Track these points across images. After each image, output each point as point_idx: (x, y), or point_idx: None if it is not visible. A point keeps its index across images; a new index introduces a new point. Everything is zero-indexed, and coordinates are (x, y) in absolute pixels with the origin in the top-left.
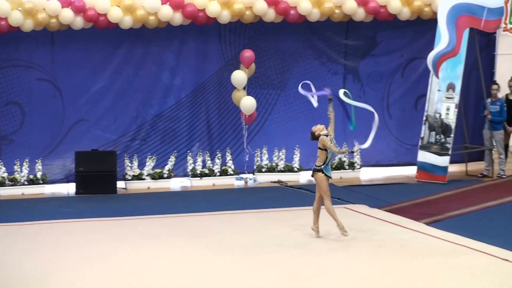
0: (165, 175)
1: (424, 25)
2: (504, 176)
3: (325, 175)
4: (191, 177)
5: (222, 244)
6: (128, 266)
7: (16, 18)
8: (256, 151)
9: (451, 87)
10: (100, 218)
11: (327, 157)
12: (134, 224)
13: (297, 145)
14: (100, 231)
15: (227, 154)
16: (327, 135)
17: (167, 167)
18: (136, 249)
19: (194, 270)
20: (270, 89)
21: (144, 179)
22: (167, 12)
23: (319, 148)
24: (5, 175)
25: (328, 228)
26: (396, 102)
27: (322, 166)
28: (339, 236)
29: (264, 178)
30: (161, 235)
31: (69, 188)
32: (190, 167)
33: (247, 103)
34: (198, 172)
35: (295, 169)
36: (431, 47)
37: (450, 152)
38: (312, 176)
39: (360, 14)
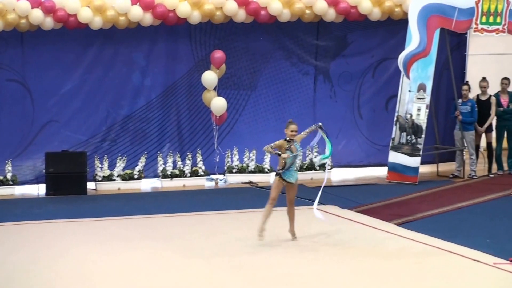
0: (136, 176)
1: (395, 26)
2: (475, 177)
3: (283, 179)
4: (162, 178)
5: (192, 246)
6: (98, 268)
7: None
8: (227, 151)
9: (422, 87)
10: (70, 219)
11: (285, 162)
12: (105, 225)
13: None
14: (71, 232)
15: (197, 155)
16: (288, 141)
17: (137, 168)
18: (107, 251)
19: (164, 273)
20: (240, 89)
21: (114, 180)
22: (137, 13)
23: None
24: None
25: (304, 230)
26: (367, 103)
27: (281, 171)
28: (311, 238)
29: (235, 179)
30: (131, 237)
31: (39, 189)
32: (160, 168)
33: (218, 104)
34: (169, 173)
35: (266, 170)
36: (402, 48)
37: (421, 153)
38: (293, 183)
39: (330, 14)
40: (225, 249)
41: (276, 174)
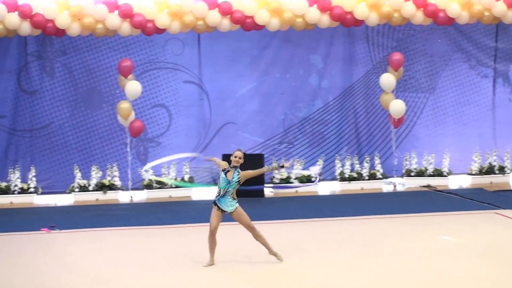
0: (313, 179)
1: None
2: None
3: (219, 208)
4: (339, 180)
5: (369, 249)
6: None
7: (162, 20)
8: (405, 154)
9: None
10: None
11: (220, 190)
12: (279, 227)
13: (447, 149)
14: (242, 234)
15: (375, 157)
16: (231, 167)
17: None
18: (288, 255)
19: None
20: (418, 92)
21: (292, 182)
22: (314, 14)
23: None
24: (153, 177)
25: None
26: None
27: (216, 199)
28: None
29: (413, 182)
30: (300, 240)
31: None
32: (338, 171)
33: (396, 106)
34: (347, 175)
35: (445, 174)
36: None
37: None
38: (232, 212)
39: (510, 16)
40: (411, 252)
41: (213, 203)
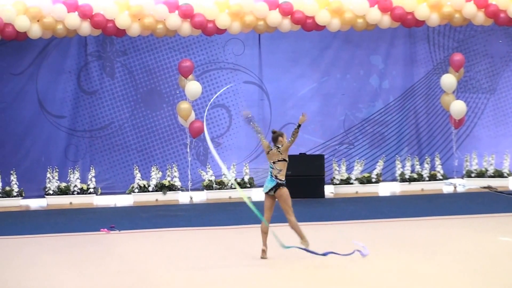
0: (373, 180)
1: None
2: None
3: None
4: (400, 181)
5: (429, 250)
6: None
7: (223, 20)
8: (465, 155)
9: None
10: (308, 223)
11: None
12: (340, 228)
13: (507, 150)
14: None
15: (436, 158)
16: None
17: (375, 172)
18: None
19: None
20: (479, 93)
21: (352, 183)
22: (375, 15)
23: (284, 160)
24: (213, 178)
25: None
26: None
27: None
28: None
29: (474, 183)
30: (363, 241)
31: None
32: (398, 172)
33: (457, 107)
34: (407, 176)
35: (505, 175)
36: None
37: None
38: (275, 192)
39: None
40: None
41: (283, 185)
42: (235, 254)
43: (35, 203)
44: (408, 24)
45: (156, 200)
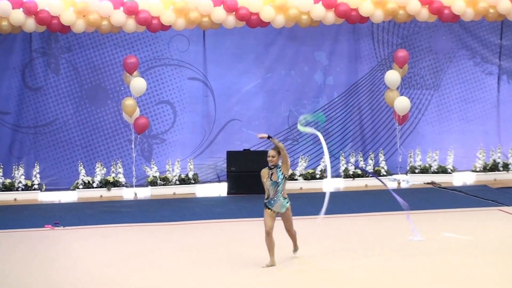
0: (318, 176)
1: None
2: None
3: (270, 209)
4: (344, 177)
5: (373, 246)
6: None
7: (168, 16)
8: (409, 151)
9: None
10: (251, 219)
11: (269, 191)
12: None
13: (451, 146)
14: (249, 231)
15: (380, 154)
16: (270, 168)
17: (319, 168)
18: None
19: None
20: (423, 89)
21: (296, 179)
22: (319, 11)
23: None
24: (157, 174)
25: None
26: None
27: (266, 200)
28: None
29: (418, 179)
30: (308, 237)
31: (221, 188)
32: (342, 168)
33: (401, 103)
34: (351, 172)
35: (449, 170)
36: None
37: None
38: (284, 212)
39: None
40: (410, 250)
41: (265, 205)
42: (181, 250)
43: None
44: (353, 21)
45: (101, 196)
